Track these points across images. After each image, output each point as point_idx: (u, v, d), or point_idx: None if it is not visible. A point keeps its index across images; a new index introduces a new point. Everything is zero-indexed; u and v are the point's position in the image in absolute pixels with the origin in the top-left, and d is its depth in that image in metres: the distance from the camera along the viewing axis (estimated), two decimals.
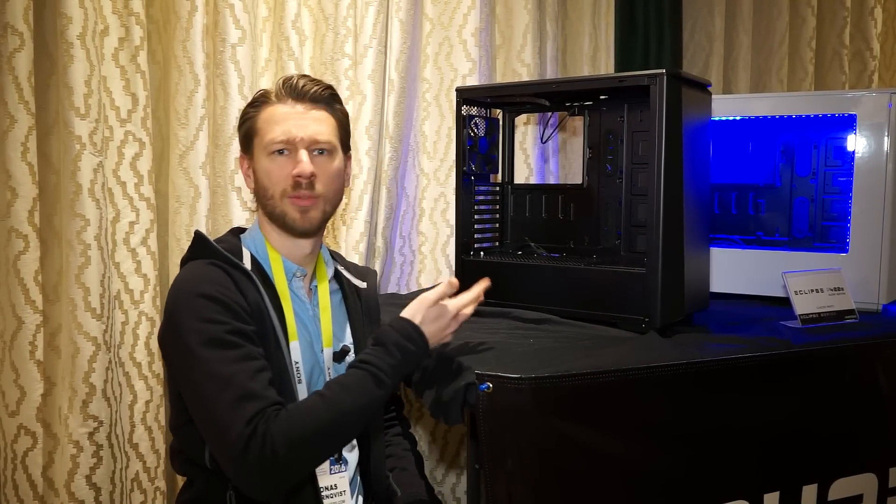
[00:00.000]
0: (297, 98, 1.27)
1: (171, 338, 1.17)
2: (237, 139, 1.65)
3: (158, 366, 1.69)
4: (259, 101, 1.29)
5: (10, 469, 1.54)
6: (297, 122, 1.25)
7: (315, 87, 1.27)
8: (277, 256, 1.28)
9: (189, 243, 1.64)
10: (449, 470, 2.03)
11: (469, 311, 1.26)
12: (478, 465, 1.15)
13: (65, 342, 1.54)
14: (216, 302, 1.15)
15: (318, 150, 1.27)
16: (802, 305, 1.48)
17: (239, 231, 1.35)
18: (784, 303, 1.54)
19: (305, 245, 1.30)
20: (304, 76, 1.29)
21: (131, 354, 1.65)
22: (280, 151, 1.25)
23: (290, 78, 1.28)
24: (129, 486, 1.65)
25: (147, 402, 1.67)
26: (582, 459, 1.15)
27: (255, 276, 1.22)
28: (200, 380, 1.11)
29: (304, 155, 1.24)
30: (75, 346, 1.52)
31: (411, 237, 2.00)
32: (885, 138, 1.58)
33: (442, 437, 2.02)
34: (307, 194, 1.25)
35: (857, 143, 1.61)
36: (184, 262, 1.27)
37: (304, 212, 1.26)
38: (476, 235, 1.68)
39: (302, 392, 1.24)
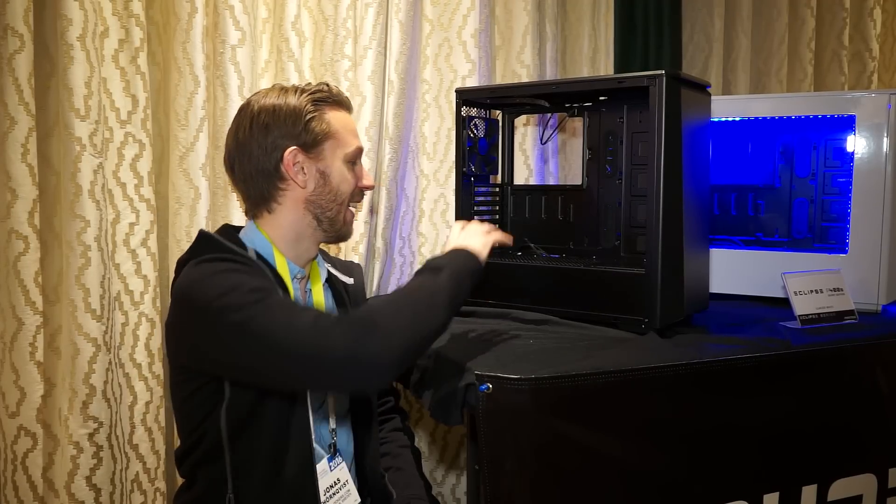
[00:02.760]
0: (349, 110, 1.33)
1: (204, 328, 1.12)
2: None
3: (158, 367, 1.69)
4: (321, 101, 1.25)
5: (10, 470, 1.54)
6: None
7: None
8: (283, 259, 1.27)
9: (188, 245, 1.65)
10: (449, 471, 2.03)
11: (499, 235, 1.34)
12: (477, 466, 1.15)
13: (65, 343, 1.54)
14: (235, 272, 1.14)
15: None
16: (802, 306, 1.48)
17: (232, 229, 1.31)
18: (783, 303, 1.54)
19: (316, 250, 1.33)
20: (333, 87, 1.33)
21: (131, 355, 1.65)
22: (355, 161, 1.30)
23: (338, 89, 1.31)
24: (130, 487, 1.65)
25: (147, 403, 1.67)
26: (581, 460, 1.15)
27: (266, 271, 1.21)
28: (260, 333, 1.06)
29: (364, 167, 1.33)
30: (75, 348, 1.52)
31: (411, 238, 2.00)
32: (885, 139, 1.58)
33: (442, 437, 2.02)
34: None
35: (856, 143, 1.61)
36: (183, 261, 1.23)
37: (352, 223, 1.34)
38: None
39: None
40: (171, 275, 1.67)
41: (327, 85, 1.29)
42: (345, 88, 1.78)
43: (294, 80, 1.74)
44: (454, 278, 1.18)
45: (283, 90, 1.27)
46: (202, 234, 1.25)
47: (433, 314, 1.13)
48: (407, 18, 1.84)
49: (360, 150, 1.30)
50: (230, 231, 1.30)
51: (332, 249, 1.77)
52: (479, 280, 1.24)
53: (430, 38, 1.95)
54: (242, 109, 1.28)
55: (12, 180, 1.46)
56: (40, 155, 1.51)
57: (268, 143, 1.23)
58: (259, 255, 1.24)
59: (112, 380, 1.58)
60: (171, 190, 1.69)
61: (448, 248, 1.27)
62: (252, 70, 1.70)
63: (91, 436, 1.53)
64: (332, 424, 1.31)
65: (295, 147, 1.23)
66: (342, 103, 1.30)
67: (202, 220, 1.67)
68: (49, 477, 1.55)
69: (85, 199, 1.51)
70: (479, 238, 1.29)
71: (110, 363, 1.57)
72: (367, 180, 1.33)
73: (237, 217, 1.70)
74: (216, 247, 1.21)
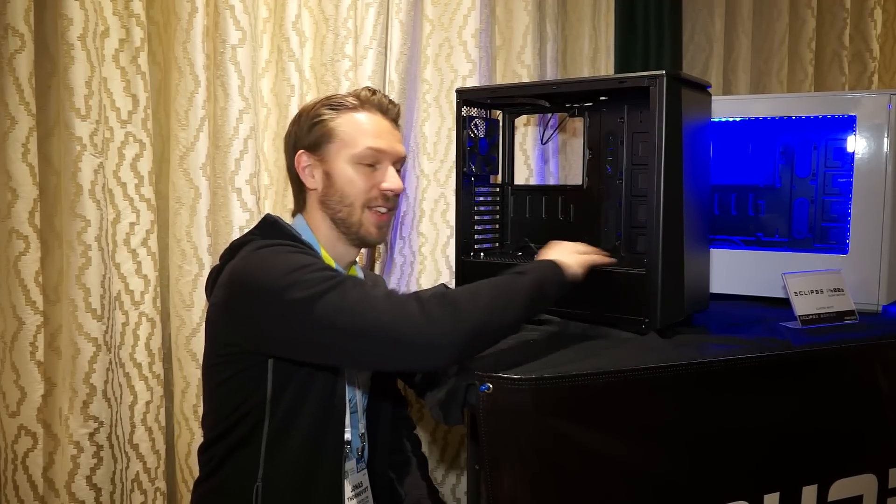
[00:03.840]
0: (382, 112, 1.31)
1: (274, 306, 1.10)
2: (237, 140, 1.67)
3: (159, 366, 1.69)
4: (338, 105, 1.28)
5: (11, 470, 1.54)
6: (387, 135, 1.30)
7: (395, 108, 1.33)
8: (330, 260, 1.29)
9: (188, 244, 1.66)
10: (449, 471, 2.03)
11: (598, 257, 1.34)
12: (478, 466, 1.15)
13: (65, 343, 1.54)
14: (302, 253, 1.16)
15: (398, 167, 1.32)
16: (802, 306, 1.48)
17: (279, 220, 1.30)
18: (784, 304, 1.54)
19: (355, 252, 1.33)
20: (380, 91, 1.34)
21: (132, 355, 1.66)
22: (373, 163, 1.28)
23: (373, 91, 1.32)
24: (130, 486, 1.65)
25: (147, 403, 1.67)
26: (582, 460, 1.15)
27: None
28: (334, 307, 1.06)
29: (392, 171, 1.29)
30: (76, 347, 1.52)
31: (411, 238, 2.00)
32: (885, 139, 1.58)
33: (442, 437, 2.02)
34: (388, 207, 1.30)
35: (856, 144, 1.61)
36: (242, 243, 1.23)
37: (381, 227, 1.30)
38: (476, 236, 1.68)
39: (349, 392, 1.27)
40: (172, 274, 1.70)
41: (362, 90, 1.31)
42: (345, 88, 1.78)
43: (294, 80, 1.74)
44: (536, 283, 1.18)
45: (318, 97, 1.33)
46: (269, 218, 1.28)
47: (508, 309, 1.13)
48: (407, 18, 1.84)
49: (371, 151, 1.27)
50: (280, 224, 1.31)
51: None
52: (564, 292, 1.25)
53: (431, 38, 1.95)
54: None
55: (13, 180, 1.46)
56: (41, 154, 1.51)
57: (289, 146, 1.31)
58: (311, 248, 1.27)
59: (112, 379, 1.58)
60: (171, 190, 1.69)
61: (538, 258, 1.28)
62: (252, 70, 1.70)
63: (91, 435, 1.53)
64: (363, 429, 1.33)
65: (302, 150, 1.28)
66: (364, 106, 1.29)
67: (202, 219, 1.67)
68: (49, 476, 1.55)
69: (85, 198, 1.51)
70: (570, 254, 1.29)
71: (110, 363, 1.57)
72: (388, 183, 1.28)
73: (237, 217, 1.70)
74: (282, 231, 1.24)
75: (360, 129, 1.27)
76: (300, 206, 1.33)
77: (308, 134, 1.28)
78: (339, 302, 1.06)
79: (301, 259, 1.13)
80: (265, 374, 1.17)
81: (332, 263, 1.28)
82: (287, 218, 1.36)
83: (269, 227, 1.26)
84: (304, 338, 1.10)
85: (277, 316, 1.10)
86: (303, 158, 1.28)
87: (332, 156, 1.27)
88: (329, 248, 1.30)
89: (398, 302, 1.08)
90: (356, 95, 1.30)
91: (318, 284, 1.08)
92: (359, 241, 1.31)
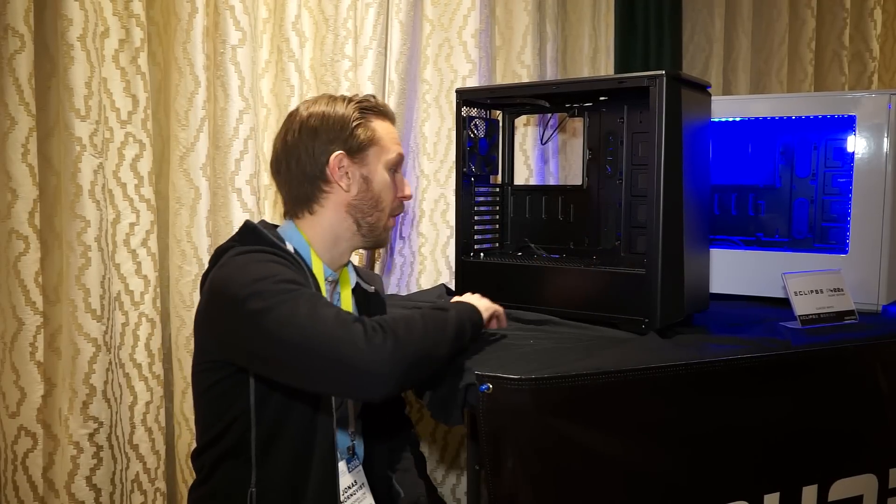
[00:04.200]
0: (392, 120, 1.35)
1: (233, 315, 1.11)
2: (237, 140, 1.67)
3: (159, 367, 1.69)
4: (367, 109, 1.30)
5: (11, 470, 1.54)
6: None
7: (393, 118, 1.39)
8: (319, 261, 1.29)
9: (188, 245, 1.66)
10: (449, 471, 2.03)
11: (501, 310, 1.36)
12: (478, 466, 1.15)
13: (65, 343, 1.54)
14: (273, 263, 1.16)
15: None
16: (802, 306, 1.48)
17: (271, 225, 1.32)
18: (784, 304, 1.54)
19: (349, 255, 1.34)
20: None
21: (131, 356, 1.66)
22: (396, 170, 1.33)
23: (382, 101, 1.36)
24: (130, 487, 1.65)
25: (147, 404, 1.67)
26: (582, 460, 1.15)
27: (303, 267, 1.23)
28: (281, 322, 1.06)
29: (406, 179, 1.35)
30: (75, 348, 1.52)
31: (411, 238, 2.00)
32: (885, 139, 1.58)
33: (442, 437, 2.02)
34: (399, 213, 1.38)
35: (856, 144, 1.61)
36: (223, 250, 1.23)
37: (391, 229, 1.37)
38: (476, 237, 1.68)
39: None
40: (172, 275, 1.70)
41: (373, 97, 1.35)
42: (345, 88, 1.78)
43: (294, 80, 1.74)
44: (459, 321, 1.20)
45: (332, 98, 1.31)
46: (248, 225, 1.27)
47: (440, 341, 1.14)
48: (407, 19, 1.84)
49: (401, 157, 1.33)
50: (269, 226, 1.31)
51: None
52: (476, 335, 1.27)
53: (431, 38, 1.95)
54: (292, 115, 1.32)
55: (13, 180, 1.46)
56: (41, 155, 1.51)
57: (315, 146, 1.27)
58: (297, 253, 1.26)
59: (112, 380, 1.58)
60: (171, 190, 1.69)
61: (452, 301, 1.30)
62: (252, 70, 1.70)
63: (91, 436, 1.53)
64: (353, 427, 1.34)
65: (341, 151, 1.26)
66: (386, 113, 1.34)
67: (202, 220, 1.67)
68: (49, 477, 1.55)
69: (85, 199, 1.51)
70: (482, 301, 1.32)
71: (110, 363, 1.57)
72: (407, 190, 1.36)
73: (237, 217, 1.70)
74: (260, 238, 1.23)
75: (390, 136, 1.32)
76: (306, 208, 1.29)
77: (351, 137, 1.26)
78: (289, 315, 1.06)
79: (269, 269, 1.13)
80: (247, 383, 1.18)
81: (321, 268, 1.28)
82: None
83: (249, 234, 1.25)
84: (255, 349, 1.10)
85: (237, 325, 1.11)
86: (343, 161, 1.26)
87: (373, 160, 1.29)
88: (324, 251, 1.29)
89: (345, 322, 1.06)
90: (370, 101, 1.32)
91: (274, 297, 1.07)
92: (375, 243, 1.37)
